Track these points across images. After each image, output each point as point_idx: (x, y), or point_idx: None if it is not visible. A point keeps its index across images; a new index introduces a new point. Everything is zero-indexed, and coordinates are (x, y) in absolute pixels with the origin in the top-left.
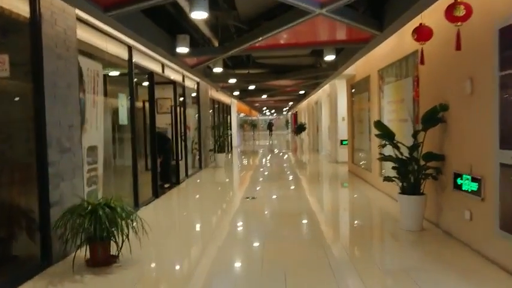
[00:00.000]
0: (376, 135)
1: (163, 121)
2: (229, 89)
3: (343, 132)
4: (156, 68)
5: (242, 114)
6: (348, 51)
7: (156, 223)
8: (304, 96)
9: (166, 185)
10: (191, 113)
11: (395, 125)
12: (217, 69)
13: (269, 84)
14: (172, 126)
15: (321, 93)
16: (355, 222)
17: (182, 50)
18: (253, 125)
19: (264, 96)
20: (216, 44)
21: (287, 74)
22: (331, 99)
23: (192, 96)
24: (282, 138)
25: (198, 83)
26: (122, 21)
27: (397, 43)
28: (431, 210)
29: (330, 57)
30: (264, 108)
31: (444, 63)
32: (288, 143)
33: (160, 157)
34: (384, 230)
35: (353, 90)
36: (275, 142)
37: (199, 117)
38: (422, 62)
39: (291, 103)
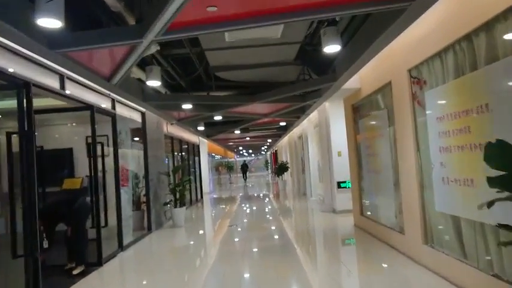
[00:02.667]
0: (490, 182)
1: (101, 167)
2: (190, 123)
3: (341, 171)
4: (41, 78)
5: (218, 157)
6: (360, 40)
7: None
8: (285, 130)
9: (77, 271)
10: (133, 155)
11: (467, 155)
12: (153, 83)
13: (240, 112)
14: (91, 175)
15: (306, 125)
16: None
17: (48, 22)
18: (230, 167)
19: (237, 132)
20: (133, 22)
21: (262, 94)
22: (321, 130)
23: (135, 132)
24: (262, 181)
25: (143, 114)
26: None
27: (464, 3)
28: None
29: (332, 48)
30: (240, 148)
31: None
32: (269, 186)
33: (67, 226)
34: None
35: (357, 111)
36: (251, 185)
37: (146, 160)
38: None
39: (269, 140)
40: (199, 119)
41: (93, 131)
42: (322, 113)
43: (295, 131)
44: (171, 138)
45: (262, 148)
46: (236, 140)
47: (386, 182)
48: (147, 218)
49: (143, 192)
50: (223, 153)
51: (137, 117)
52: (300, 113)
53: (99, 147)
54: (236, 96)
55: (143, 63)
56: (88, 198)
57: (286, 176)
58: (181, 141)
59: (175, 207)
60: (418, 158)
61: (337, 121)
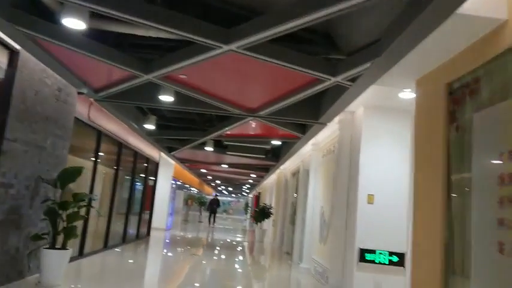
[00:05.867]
0: None
1: None
2: (122, 107)
3: (370, 230)
4: None
5: (194, 190)
6: None
7: None
8: (276, 160)
9: None
10: None
11: None
12: None
13: (206, 92)
14: None
15: (310, 152)
16: None
17: None
18: (202, 203)
19: (209, 149)
20: None
21: (247, 27)
22: (339, 157)
23: None
24: (237, 226)
25: (12, 54)
26: None
27: None
28: None
29: None
30: (218, 181)
31: None
32: (243, 234)
33: None
34: None
35: (473, 96)
36: (225, 228)
37: None
38: None
39: (253, 176)
40: (132, 92)
41: None
42: (347, 126)
43: (289, 165)
44: (98, 133)
45: (244, 188)
46: (211, 170)
47: None
48: None
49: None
50: (198, 186)
51: None
52: (312, 117)
53: None
54: (192, 21)
55: None
56: None
57: (267, 224)
58: (121, 145)
59: (53, 247)
60: None
61: (376, 140)
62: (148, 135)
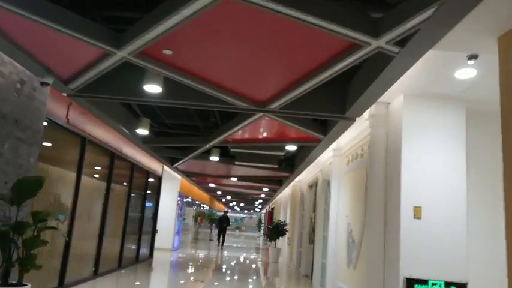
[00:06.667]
0: None
1: None
2: (105, 104)
3: (420, 253)
4: None
5: (206, 207)
6: None
7: None
8: (291, 170)
9: None
10: None
11: None
12: None
13: (198, 76)
14: None
15: (332, 159)
16: None
17: None
18: (212, 220)
19: (214, 159)
20: None
21: None
22: (373, 161)
23: None
24: (251, 243)
25: None
26: None
27: None
28: None
29: None
30: (228, 197)
31: None
32: (257, 253)
33: None
34: None
35: None
36: (238, 246)
37: None
38: None
39: (265, 190)
40: (110, 83)
41: None
42: (381, 121)
43: (305, 177)
44: (82, 140)
45: (256, 204)
46: (220, 184)
47: None
48: None
49: None
50: (209, 202)
51: None
52: (337, 110)
53: None
54: None
55: None
56: None
57: (282, 242)
58: (113, 155)
59: (5, 284)
60: None
61: (421, 137)
62: (143, 143)
